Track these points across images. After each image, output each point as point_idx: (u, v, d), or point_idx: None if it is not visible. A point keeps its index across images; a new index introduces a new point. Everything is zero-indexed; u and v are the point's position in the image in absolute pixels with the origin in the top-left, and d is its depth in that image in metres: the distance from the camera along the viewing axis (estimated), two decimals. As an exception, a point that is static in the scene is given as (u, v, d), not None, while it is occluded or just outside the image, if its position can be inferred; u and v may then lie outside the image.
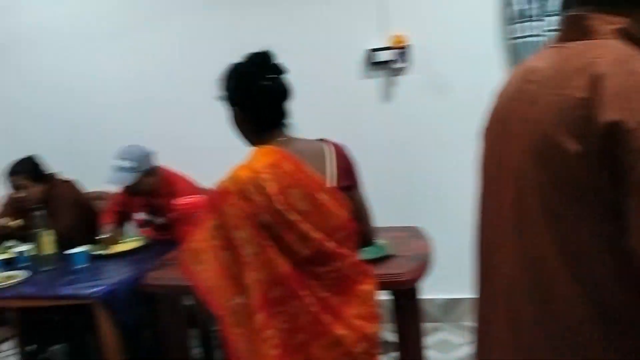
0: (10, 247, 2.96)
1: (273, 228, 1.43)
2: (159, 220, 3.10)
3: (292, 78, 1.62)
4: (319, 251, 1.47)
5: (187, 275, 1.44)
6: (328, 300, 1.47)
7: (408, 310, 2.26)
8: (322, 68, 3.28)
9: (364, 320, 1.53)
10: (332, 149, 1.62)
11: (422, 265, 2.19)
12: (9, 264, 2.78)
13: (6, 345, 3.50)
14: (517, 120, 0.86)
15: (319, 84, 3.27)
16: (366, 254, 2.04)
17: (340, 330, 1.48)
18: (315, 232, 1.45)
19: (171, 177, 3.09)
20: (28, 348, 3.16)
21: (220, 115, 1.79)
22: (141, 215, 3.16)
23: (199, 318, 2.86)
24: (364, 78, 3.29)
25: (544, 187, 0.79)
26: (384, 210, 3.18)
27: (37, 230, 2.67)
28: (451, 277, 2.86)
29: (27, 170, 3.03)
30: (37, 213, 2.69)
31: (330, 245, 1.48)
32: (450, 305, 3.34)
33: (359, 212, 1.65)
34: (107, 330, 2.39)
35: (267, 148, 1.53)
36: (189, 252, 1.45)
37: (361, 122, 3.31)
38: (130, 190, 2.97)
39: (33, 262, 2.72)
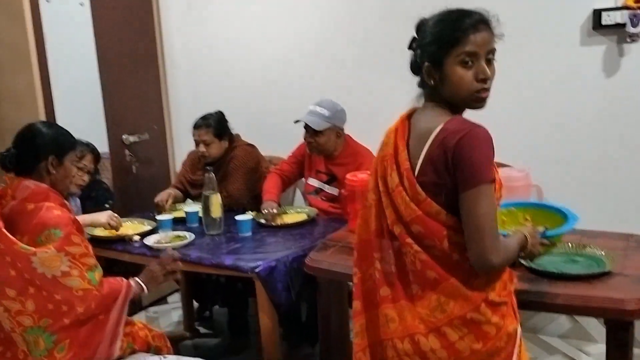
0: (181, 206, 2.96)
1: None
2: (332, 190, 2.89)
3: (501, 42, 1.42)
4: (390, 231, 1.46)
5: None
6: (390, 277, 1.47)
7: (621, 346, 1.78)
8: (537, 30, 2.74)
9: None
10: (440, 132, 1.36)
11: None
12: (180, 223, 2.75)
13: (173, 298, 3.62)
14: None
15: (532, 49, 2.75)
16: (577, 267, 1.82)
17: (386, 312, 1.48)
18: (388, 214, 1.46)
19: (356, 148, 2.87)
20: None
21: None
22: (314, 182, 2.96)
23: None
24: (587, 44, 2.66)
25: None
26: (598, 210, 2.64)
27: (207, 192, 2.58)
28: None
29: (213, 126, 2.98)
30: (208, 175, 2.61)
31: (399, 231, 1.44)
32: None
33: (465, 225, 1.34)
34: (264, 306, 2.26)
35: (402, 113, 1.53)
36: None
37: (579, 97, 2.72)
38: (313, 143, 2.79)
39: (201, 224, 2.65)
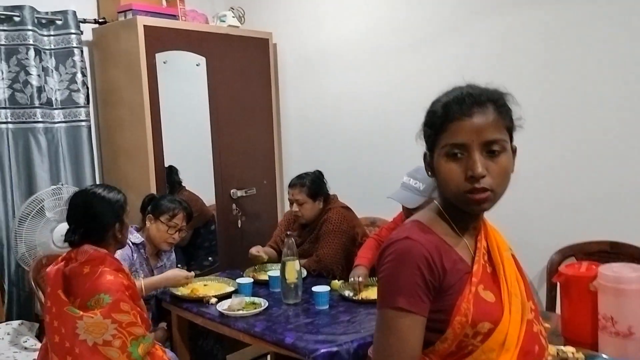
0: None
1: None
2: None
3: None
4: None
5: None
6: None
7: None
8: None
9: None
10: None
11: None
12: (264, 286, 2.67)
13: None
14: None
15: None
16: None
17: None
18: None
19: None
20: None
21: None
22: None
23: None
24: None
25: None
26: None
27: (285, 258, 2.45)
28: None
29: (308, 185, 2.90)
30: (287, 240, 2.48)
31: None
32: None
33: None
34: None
35: None
36: None
37: None
38: (409, 216, 2.51)
39: (281, 290, 2.51)
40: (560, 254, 2.52)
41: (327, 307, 2.38)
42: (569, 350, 1.60)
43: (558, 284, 1.98)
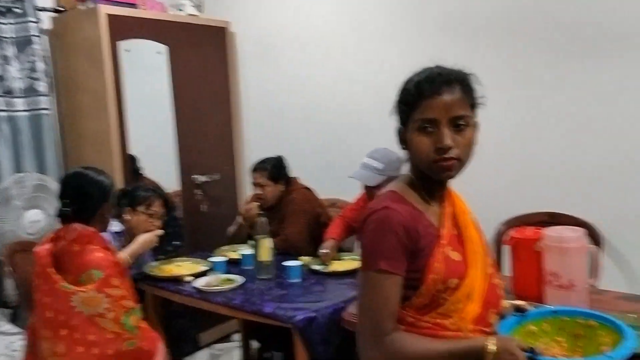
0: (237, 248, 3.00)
1: None
2: None
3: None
4: None
5: None
6: None
7: None
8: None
9: None
10: None
11: None
12: (236, 265, 2.80)
13: (238, 336, 3.64)
14: None
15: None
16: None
17: None
18: None
19: None
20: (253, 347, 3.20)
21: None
22: None
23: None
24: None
25: None
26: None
27: (258, 236, 2.60)
28: None
29: (269, 169, 3.05)
30: (260, 219, 2.63)
31: None
32: None
33: None
34: (300, 358, 2.20)
35: None
36: None
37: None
38: (370, 195, 2.72)
39: (254, 267, 2.66)
40: (505, 225, 2.79)
41: (299, 280, 2.55)
42: (520, 303, 1.84)
43: (504, 250, 2.24)
